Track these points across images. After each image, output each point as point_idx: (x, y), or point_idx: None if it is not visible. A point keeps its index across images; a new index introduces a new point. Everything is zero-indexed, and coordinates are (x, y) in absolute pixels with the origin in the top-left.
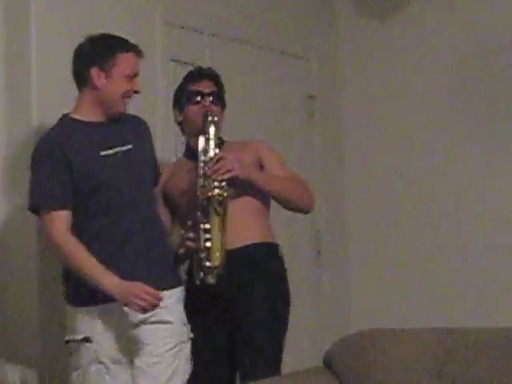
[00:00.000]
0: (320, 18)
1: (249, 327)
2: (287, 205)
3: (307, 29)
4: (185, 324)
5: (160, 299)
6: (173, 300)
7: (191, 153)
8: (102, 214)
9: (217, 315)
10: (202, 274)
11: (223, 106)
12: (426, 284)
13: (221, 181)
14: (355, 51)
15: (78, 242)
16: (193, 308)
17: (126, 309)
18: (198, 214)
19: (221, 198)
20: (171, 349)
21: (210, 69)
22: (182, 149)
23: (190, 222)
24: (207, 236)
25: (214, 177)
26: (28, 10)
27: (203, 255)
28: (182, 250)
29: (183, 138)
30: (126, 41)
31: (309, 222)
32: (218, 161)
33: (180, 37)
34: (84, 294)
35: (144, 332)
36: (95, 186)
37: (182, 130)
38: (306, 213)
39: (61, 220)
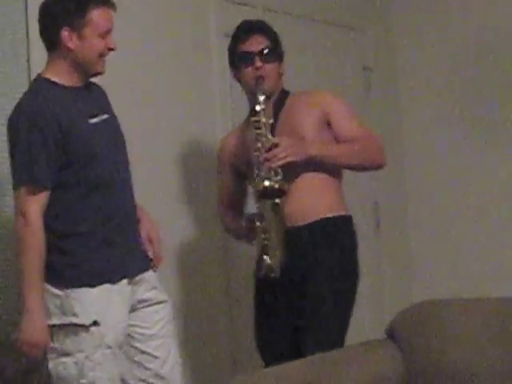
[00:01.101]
0: None
1: (316, 299)
2: (354, 169)
3: (361, 1)
4: (168, 301)
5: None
6: (157, 280)
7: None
8: (97, 187)
9: (286, 297)
10: (263, 269)
11: (279, 58)
12: (488, 254)
13: (274, 171)
14: (410, 21)
15: (43, 232)
16: (262, 290)
17: (127, 289)
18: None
19: (275, 199)
20: (167, 329)
21: (258, 21)
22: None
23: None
24: (264, 234)
25: (267, 164)
26: None
27: (263, 252)
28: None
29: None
30: None
31: (367, 192)
32: (270, 148)
33: (234, 11)
34: (88, 272)
35: (140, 315)
36: (91, 157)
37: (243, 88)
38: (377, 169)
39: (40, 201)
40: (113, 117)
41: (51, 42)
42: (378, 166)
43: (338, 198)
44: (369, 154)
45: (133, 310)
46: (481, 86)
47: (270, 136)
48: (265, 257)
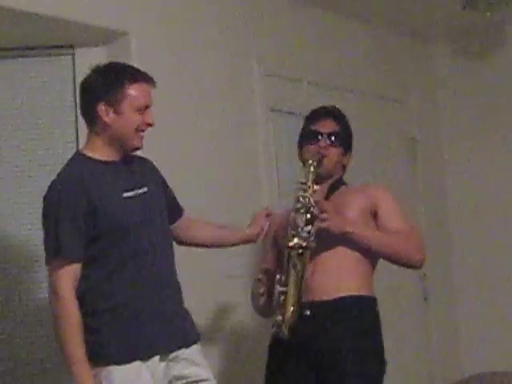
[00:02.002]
0: (417, 61)
1: (338, 380)
2: (388, 260)
3: (405, 72)
4: (210, 379)
5: None
6: (201, 355)
7: None
8: (127, 261)
9: (302, 368)
10: (274, 327)
11: (346, 147)
12: None
13: (308, 232)
14: (454, 92)
15: (78, 311)
16: (277, 361)
17: (160, 366)
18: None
19: (300, 251)
20: None
21: (333, 107)
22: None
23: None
24: (282, 289)
25: (302, 226)
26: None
27: (277, 307)
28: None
29: None
30: (135, 69)
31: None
32: (309, 210)
33: (280, 85)
34: (117, 349)
35: None
36: (122, 231)
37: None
38: (413, 268)
39: (71, 274)
40: (152, 189)
41: (89, 116)
42: (415, 264)
43: (366, 278)
44: (406, 249)
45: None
46: None
47: (312, 200)
48: (277, 313)
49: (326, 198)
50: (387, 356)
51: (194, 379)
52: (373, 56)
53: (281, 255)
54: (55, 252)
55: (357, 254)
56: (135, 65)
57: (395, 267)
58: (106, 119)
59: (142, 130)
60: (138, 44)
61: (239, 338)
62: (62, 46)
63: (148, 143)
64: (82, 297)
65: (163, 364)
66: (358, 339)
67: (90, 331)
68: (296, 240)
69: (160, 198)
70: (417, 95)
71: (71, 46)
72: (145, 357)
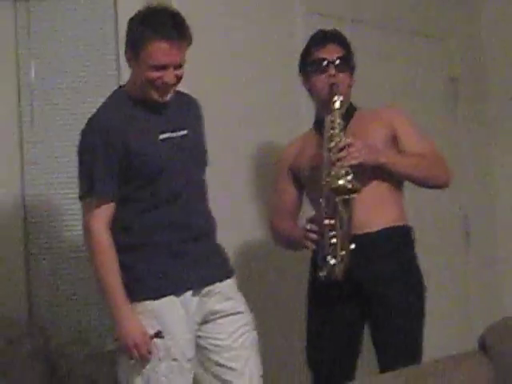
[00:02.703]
0: None
1: (384, 316)
2: (419, 184)
3: (447, 10)
4: (246, 313)
5: (150, 356)
6: (235, 289)
7: (319, 125)
8: (161, 201)
9: (345, 302)
10: (326, 270)
11: (352, 70)
12: None
13: (346, 171)
14: (497, 31)
15: (113, 247)
16: (318, 298)
17: (199, 299)
18: (322, 204)
19: (347, 196)
20: (244, 339)
21: (335, 31)
22: None
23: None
24: (332, 233)
25: (339, 164)
26: None
27: (328, 252)
28: (307, 244)
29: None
30: (165, 25)
31: (457, 205)
32: (343, 148)
33: (321, 24)
34: (150, 285)
35: (214, 327)
36: (155, 173)
37: (311, 97)
38: (441, 188)
39: (103, 212)
40: (193, 133)
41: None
42: (444, 184)
43: (400, 208)
44: (436, 171)
45: (205, 321)
46: None
47: (343, 136)
48: (328, 257)
49: (344, 127)
50: (427, 296)
51: (229, 312)
52: None
53: (300, 186)
54: (88, 190)
55: (389, 184)
56: (176, 3)
57: (436, 207)
58: (130, 63)
59: (160, 87)
60: None
61: (276, 274)
62: None
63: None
64: (116, 234)
65: (196, 299)
66: (402, 271)
67: (124, 268)
68: (341, 182)
69: (199, 142)
70: (460, 33)
71: None
72: (177, 292)
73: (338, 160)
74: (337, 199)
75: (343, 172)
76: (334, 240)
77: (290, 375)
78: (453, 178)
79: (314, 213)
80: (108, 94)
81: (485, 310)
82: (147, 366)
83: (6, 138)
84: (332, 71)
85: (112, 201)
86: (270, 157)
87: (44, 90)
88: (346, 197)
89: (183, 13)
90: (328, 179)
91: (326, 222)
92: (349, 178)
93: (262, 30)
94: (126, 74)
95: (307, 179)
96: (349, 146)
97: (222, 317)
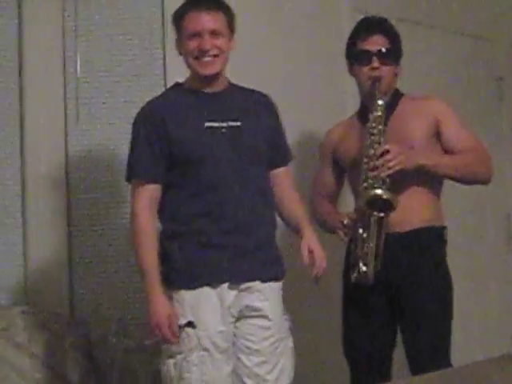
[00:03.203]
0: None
1: (414, 317)
2: (461, 182)
3: (494, 10)
4: (285, 319)
5: (174, 339)
6: (275, 293)
7: (364, 114)
8: (203, 189)
9: (377, 303)
10: (356, 275)
11: (396, 60)
12: None
13: (383, 179)
14: None
15: (153, 228)
16: (351, 297)
17: (237, 293)
18: (357, 213)
19: (382, 214)
20: (275, 347)
21: (380, 20)
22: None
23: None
24: (365, 243)
25: (376, 174)
26: None
27: (360, 258)
28: (340, 234)
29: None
30: (196, 1)
31: (500, 204)
32: (381, 155)
33: None
34: (187, 274)
35: (248, 326)
36: (197, 160)
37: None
38: (482, 184)
39: (145, 193)
40: (250, 126)
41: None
42: (485, 181)
43: (436, 207)
44: (477, 168)
45: (243, 316)
46: None
47: (383, 142)
48: (361, 264)
49: (386, 119)
50: (467, 299)
51: (267, 314)
52: None
53: (341, 170)
54: (131, 173)
55: (426, 184)
56: None
57: (479, 205)
58: (178, 47)
59: (199, 57)
60: None
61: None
62: None
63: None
64: (162, 221)
65: (233, 292)
66: (430, 272)
67: (165, 255)
68: (377, 191)
69: (258, 135)
70: (505, 33)
71: None
72: (213, 283)
73: (376, 168)
74: (371, 219)
75: (379, 181)
76: (367, 249)
77: (328, 374)
78: (494, 172)
79: (353, 200)
80: (153, 91)
81: None
82: (179, 356)
83: (52, 133)
84: (375, 64)
85: (155, 182)
86: (313, 144)
87: (89, 85)
88: (381, 215)
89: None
90: (365, 186)
91: (360, 231)
92: (385, 187)
93: (307, 28)
94: (172, 72)
95: (348, 167)
96: (386, 152)
97: (259, 316)
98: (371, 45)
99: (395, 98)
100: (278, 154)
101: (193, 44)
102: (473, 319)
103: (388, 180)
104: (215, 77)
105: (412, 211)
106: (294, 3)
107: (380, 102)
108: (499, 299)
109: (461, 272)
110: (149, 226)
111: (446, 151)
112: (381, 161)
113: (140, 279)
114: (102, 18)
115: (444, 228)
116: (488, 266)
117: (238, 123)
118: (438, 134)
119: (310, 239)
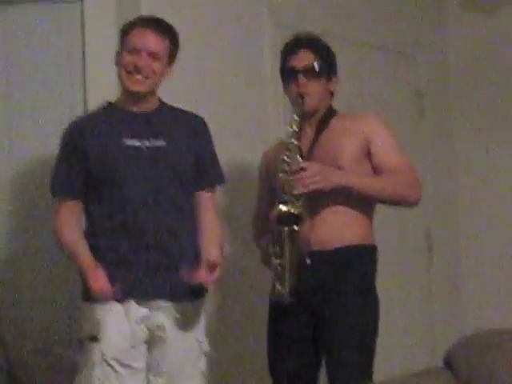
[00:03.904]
0: (427, 15)
1: (333, 337)
2: (386, 204)
3: (415, 26)
4: (200, 340)
5: (107, 296)
6: (187, 313)
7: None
8: (114, 208)
9: (300, 322)
10: (272, 293)
11: (327, 76)
12: None
13: (296, 196)
14: (463, 47)
15: (75, 228)
16: (274, 315)
17: (138, 311)
18: (270, 229)
19: (291, 226)
20: (182, 369)
21: (309, 36)
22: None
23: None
24: (277, 260)
25: (289, 191)
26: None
27: (275, 276)
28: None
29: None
30: (144, 18)
31: (420, 219)
32: (298, 171)
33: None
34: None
35: (157, 347)
36: (112, 177)
37: None
38: (410, 206)
39: (64, 209)
40: (175, 146)
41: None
42: (413, 202)
43: (365, 226)
44: (403, 191)
45: (152, 335)
46: None
47: (299, 159)
48: (276, 283)
49: (316, 136)
50: (390, 308)
51: (177, 334)
52: (383, 9)
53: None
54: (51, 189)
55: (352, 203)
56: (144, 13)
57: (400, 220)
58: (116, 59)
59: (130, 73)
60: None
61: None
62: None
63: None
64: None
65: (142, 310)
66: (352, 291)
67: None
68: (285, 208)
69: (182, 156)
70: (426, 49)
71: None
72: (119, 299)
73: (289, 184)
74: (284, 229)
75: (292, 197)
76: (280, 267)
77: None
78: (421, 195)
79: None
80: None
81: (448, 326)
82: (85, 370)
83: None
84: (301, 81)
85: (74, 198)
86: (246, 168)
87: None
88: (290, 228)
89: None
90: (278, 202)
91: (271, 249)
92: (297, 203)
93: (230, 44)
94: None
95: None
96: (302, 169)
97: (166, 337)
98: (298, 61)
99: (327, 115)
100: (204, 176)
101: (129, 58)
102: (397, 334)
103: (301, 197)
104: (142, 96)
105: (336, 229)
106: (217, 24)
107: (296, 118)
108: (421, 311)
109: (384, 285)
110: (73, 234)
111: (376, 172)
112: (296, 178)
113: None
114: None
115: (371, 247)
116: (410, 279)
117: (163, 143)
118: (369, 154)
119: (209, 251)
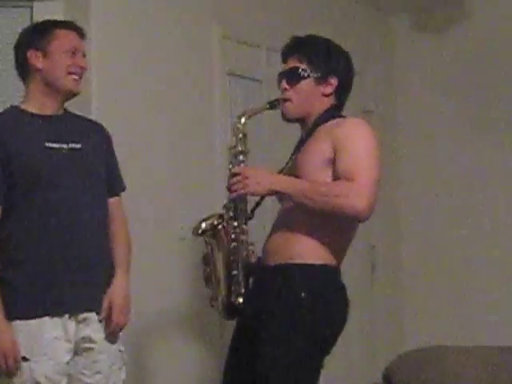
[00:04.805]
0: (376, 34)
1: (257, 362)
2: (324, 213)
3: (363, 43)
4: (120, 350)
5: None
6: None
7: (300, 141)
8: (41, 213)
9: (240, 338)
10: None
11: (316, 79)
12: (480, 300)
13: (228, 203)
14: (411, 66)
15: None
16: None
17: (71, 325)
18: None
19: (213, 229)
20: (107, 379)
21: (294, 40)
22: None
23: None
24: (205, 266)
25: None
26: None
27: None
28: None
29: None
30: (66, 21)
31: (363, 236)
32: (230, 177)
33: (237, 51)
34: (21, 305)
35: (82, 360)
36: (36, 180)
37: None
38: (354, 218)
39: None
40: (89, 149)
41: (22, 67)
42: (354, 213)
43: (316, 244)
44: (335, 200)
45: (78, 348)
46: (486, 128)
47: (239, 164)
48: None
49: (297, 148)
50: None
51: (98, 346)
52: (332, 26)
53: None
54: None
55: (308, 218)
56: (92, 21)
57: None
58: (37, 64)
59: (75, 73)
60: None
61: (190, 303)
62: None
63: (100, 106)
64: (2, 244)
65: (73, 323)
66: (280, 311)
67: (3, 283)
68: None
69: (97, 159)
70: (374, 68)
71: None
72: (52, 313)
73: (227, 189)
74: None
75: (230, 203)
76: (214, 278)
77: None
78: (369, 209)
79: None
80: None
81: (389, 342)
82: None
83: None
84: (283, 85)
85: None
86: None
87: None
88: (212, 229)
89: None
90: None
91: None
92: (223, 212)
93: (177, 55)
94: None
95: None
96: (234, 175)
97: (93, 349)
98: (283, 67)
99: (316, 123)
100: (113, 181)
101: (69, 60)
102: (337, 349)
103: (234, 201)
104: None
105: (281, 245)
106: (164, 35)
107: (242, 120)
108: (362, 327)
109: None
110: None
111: (334, 180)
112: (229, 183)
113: None
114: None
115: (319, 266)
116: (352, 296)
117: (79, 145)
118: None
119: (114, 291)
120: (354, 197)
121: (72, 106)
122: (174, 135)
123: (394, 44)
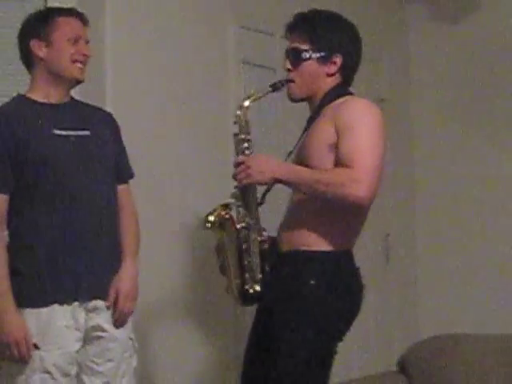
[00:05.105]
0: (391, 21)
1: (271, 348)
2: (328, 200)
3: (378, 32)
4: (131, 338)
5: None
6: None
7: (308, 121)
8: (49, 201)
9: (259, 325)
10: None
11: (320, 59)
12: (497, 289)
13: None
14: (426, 54)
15: (3, 245)
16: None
17: (81, 314)
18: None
19: (221, 220)
20: (118, 367)
21: (299, 15)
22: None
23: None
24: (219, 255)
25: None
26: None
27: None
28: None
29: None
30: (68, 8)
31: (378, 224)
32: (235, 167)
33: (252, 39)
34: (31, 293)
35: (93, 348)
36: (44, 168)
37: None
38: (353, 205)
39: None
40: (98, 136)
41: (26, 58)
42: (353, 202)
43: (325, 232)
44: (335, 189)
45: (88, 337)
46: (501, 116)
47: (243, 151)
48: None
49: (305, 129)
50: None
51: (110, 334)
52: (347, 15)
53: None
54: None
55: (316, 205)
56: (107, 11)
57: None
58: (40, 53)
59: (79, 61)
60: None
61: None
62: None
63: (115, 96)
64: (11, 234)
65: (79, 312)
66: (290, 299)
67: (13, 271)
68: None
69: (106, 147)
70: (389, 56)
71: None
72: (60, 301)
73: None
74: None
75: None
76: (221, 262)
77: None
78: (370, 195)
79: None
80: None
81: (403, 330)
82: (20, 377)
83: None
84: (286, 66)
85: (4, 193)
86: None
87: None
88: (208, 225)
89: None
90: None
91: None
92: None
93: (192, 44)
94: None
95: None
96: (238, 164)
97: (104, 337)
98: (289, 44)
99: (321, 103)
100: (122, 169)
101: (72, 47)
102: (350, 335)
103: (241, 189)
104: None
105: (293, 231)
106: (180, 26)
107: (246, 103)
108: (377, 316)
109: None
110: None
111: (335, 165)
112: (234, 173)
113: None
114: None
115: (329, 253)
116: (366, 285)
117: (88, 133)
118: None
119: (121, 278)
120: (352, 185)
121: (87, 96)
122: (189, 124)
123: (409, 33)
